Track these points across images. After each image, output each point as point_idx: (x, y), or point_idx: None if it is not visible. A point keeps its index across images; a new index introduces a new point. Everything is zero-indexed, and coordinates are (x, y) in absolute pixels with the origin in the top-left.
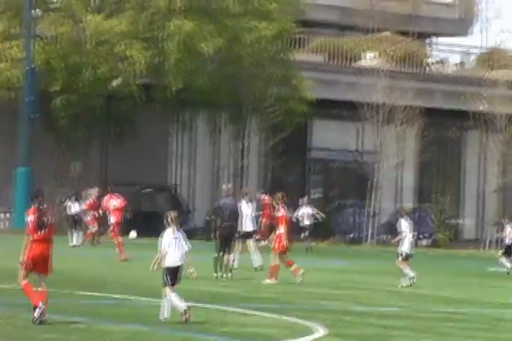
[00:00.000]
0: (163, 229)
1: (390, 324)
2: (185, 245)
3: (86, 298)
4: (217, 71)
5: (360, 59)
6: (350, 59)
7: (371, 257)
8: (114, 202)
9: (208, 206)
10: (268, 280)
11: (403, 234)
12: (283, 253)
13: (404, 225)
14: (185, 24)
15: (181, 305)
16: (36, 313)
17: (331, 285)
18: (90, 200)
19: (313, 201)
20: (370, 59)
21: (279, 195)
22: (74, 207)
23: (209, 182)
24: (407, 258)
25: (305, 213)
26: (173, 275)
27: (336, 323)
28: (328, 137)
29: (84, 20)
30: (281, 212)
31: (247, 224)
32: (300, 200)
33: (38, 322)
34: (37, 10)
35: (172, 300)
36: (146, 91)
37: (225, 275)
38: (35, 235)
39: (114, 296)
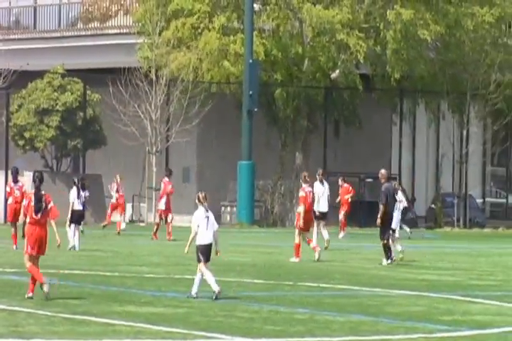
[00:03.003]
0: None
1: None
2: (215, 225)
3: (308, 289)
4: (438, 58)
5: None
6: None
7: None
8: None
9: (429, 194)
10: (292, 259)
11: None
12: (302, 231)
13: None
14: (404, 12)
15: (214, 286)
16: (46, 288)
17: None
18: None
19: None
20: None
21: (304, 174)
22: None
23: (431, 171)
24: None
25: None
26: (205, 252)
27: None
28: None
29: (302, 11)
30: (302, 191)
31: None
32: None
33: (48, 296)
34: (257, 3)
35: (207, 278)
36: (365, 81)
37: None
38: (31, 218)
39: (337, 287)
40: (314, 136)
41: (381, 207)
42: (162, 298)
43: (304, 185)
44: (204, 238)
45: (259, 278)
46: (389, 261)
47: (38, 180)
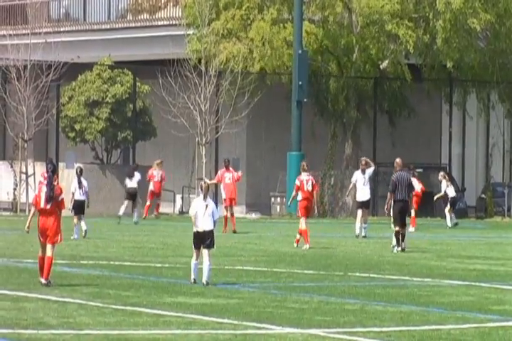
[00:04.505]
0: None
1: None
2: (216, 213)
3: (359, 279)
4: (488, 47)
5: None
6: None
7: None
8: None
9: (479, 184)
10: (305, 246)
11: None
12: (302, 217)
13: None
14: (454, 1)
15: (192, 275)
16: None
17: None
18: None
19: None
20: None
21: (303, 163)
22: None
23: (480, 161)
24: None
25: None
26: (200, 239)
27: None
28: None
29: (352, 1)
30: (297, 180)
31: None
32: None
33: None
34: None
35: (192, 264)
36: (414, 71)
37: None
38: (39, 208)
39: (387, 277)
40: (364, 127)
41: (388, 195)
42: (213, 288)
43: (302, 174)
44: (202, 225)
45: (310, 268)
46: (399, 248)
47: (51, 171)
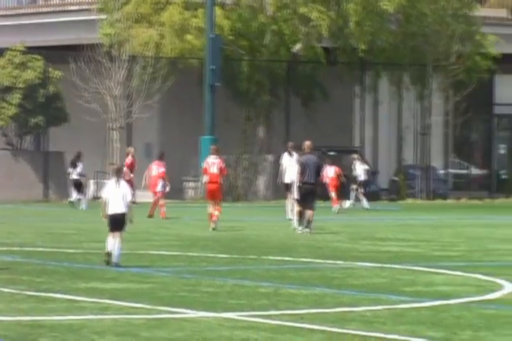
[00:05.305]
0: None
1: None
2: (128, 195)
3: (272, 262)
4: (399, 30)
5: None
6: None
7: None
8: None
9: (392, 167)
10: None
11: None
12: (208, 200)
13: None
14: None
15: (108, 249)
16: None
17: None
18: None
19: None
20: None
21: (212, 147)
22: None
23: (393, 143)
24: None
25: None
26: (114, 221)
27: None
28: None
29: None
30: (204, 163)
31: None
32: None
33: None
34: None
35: (107, 242)
36: (328, 54)
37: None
38: None
39: (300, 260)
40: (277, 110)
41: (296, 177)
42: (126, 273)
43: (210, 156)
44: (114, 207)
45: (223, 252)
46: (305, 229)
47: None
